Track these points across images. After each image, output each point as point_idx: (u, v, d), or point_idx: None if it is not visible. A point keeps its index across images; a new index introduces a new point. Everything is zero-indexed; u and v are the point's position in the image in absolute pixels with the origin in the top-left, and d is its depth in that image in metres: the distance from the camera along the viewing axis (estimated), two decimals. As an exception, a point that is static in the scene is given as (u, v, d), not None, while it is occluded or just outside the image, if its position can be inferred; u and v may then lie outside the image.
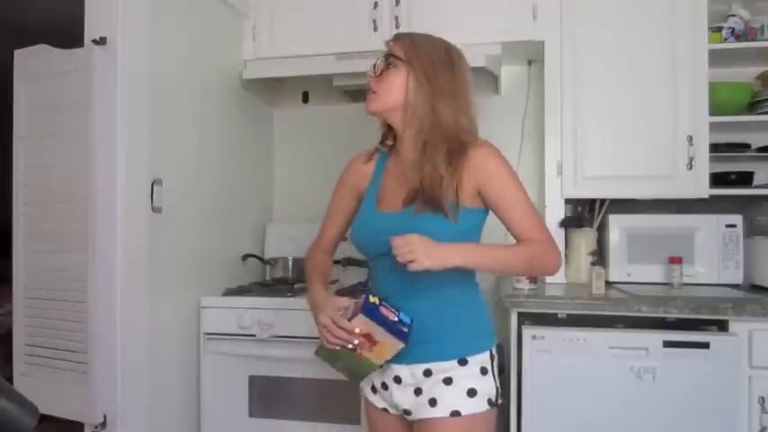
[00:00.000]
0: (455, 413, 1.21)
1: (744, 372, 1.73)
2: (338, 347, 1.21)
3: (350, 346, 1.19)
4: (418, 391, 1.26)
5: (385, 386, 1.31)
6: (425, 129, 1.25)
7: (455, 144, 1.25)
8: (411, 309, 1.23)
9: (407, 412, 1.28)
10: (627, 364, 1.75)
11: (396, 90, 1.27)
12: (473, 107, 1.31)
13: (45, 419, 1.08)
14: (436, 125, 1.25)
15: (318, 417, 2.00)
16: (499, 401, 1.28)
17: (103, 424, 1.67)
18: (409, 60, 1.26)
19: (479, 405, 1.23)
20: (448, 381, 1.23)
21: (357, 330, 1.17)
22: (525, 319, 1.86)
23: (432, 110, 1.25)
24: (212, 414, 2.06)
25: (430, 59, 1.26)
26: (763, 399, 1.72)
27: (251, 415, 2.06)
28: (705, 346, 1.71)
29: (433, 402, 1.23)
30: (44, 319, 1.77)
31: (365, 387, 1.38)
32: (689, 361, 1.72)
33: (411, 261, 1.11)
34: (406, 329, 1.19)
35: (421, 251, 1.11)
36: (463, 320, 1.28)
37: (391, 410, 1.32)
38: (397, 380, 1.28)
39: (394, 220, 1.24)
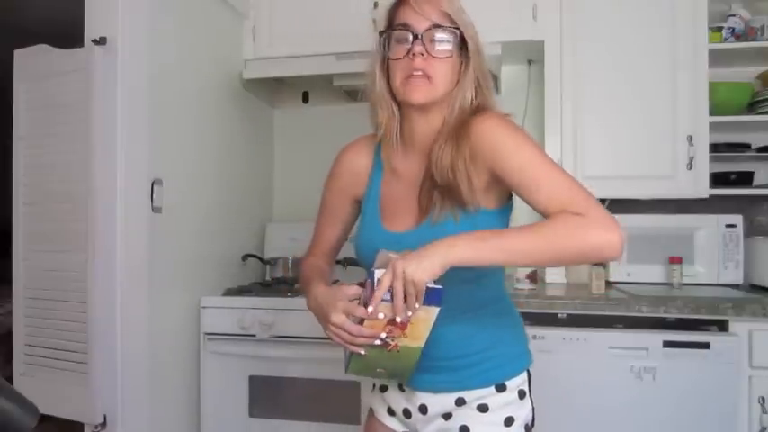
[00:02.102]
0: None
1: (744, 372, 1.73)
2: (363, 351, 0.96)
3: (377, 341, 0.94)
4: (447, 416, 1.08)
5: (407, 413, 1.13)
6: (452, 115, 1.03)
7: (463, 121, 1.02)
8: (441, 336, 0.99)
9: None
10: (627, 364, 1.75)
11: (452, 74, 1.02)
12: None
13: (45, 419, 1.08)
14: (468, 112, 1.03)
15: (318, 417, 2.00)
16: (534, 423, 1.11)
17: (103, 424, 1.67)
18: (465, 30, 1.02)
19: None
20: (483, 408, 1.05)
21: (381, 316, 0.90)
22: (525, 319, 1.84)
23: (471, 98, 1.03)
24: (212, 414, 2.05)
25: (471, 25, 1.02)
26: (763, 399, 1.72)
27: (251, 415, 2.06)
28: (705, 346, 1.72)
29: (464, 430, 1.06)
30: (44, 319, 1.77)
31: (379, 408, 1.20)
32: (689, 361, 1.72)
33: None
34: (434, 287, 0.90)
35: (410, 268, 0.87)
36: (500, 344, 1.09)
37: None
38: (423, 409, 1.10)
39: (409, 242, 0.98)
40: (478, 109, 1.04)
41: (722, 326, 1.76)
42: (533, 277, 1.98)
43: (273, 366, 2.03)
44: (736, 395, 1.71)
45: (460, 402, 1.07)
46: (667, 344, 1.73)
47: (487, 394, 1.06)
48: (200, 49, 2.12)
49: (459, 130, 1.01)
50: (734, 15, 2.16)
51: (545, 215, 0.94)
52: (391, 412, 1.17)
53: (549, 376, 1.78)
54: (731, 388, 1.71)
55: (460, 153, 0.99)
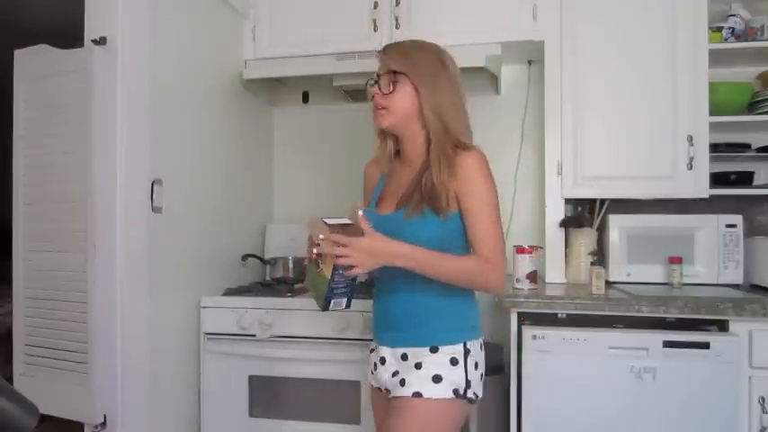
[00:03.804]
0: (417, 394, 1.30)
1: (744, 372, 1.73)
2: (306, 262, 1.32)
3: (314, 250, 1.27)
4: (395, 374, 1.37)
5: (375, 366, 1.44)
6: (431, 136, 1.36)
7: (452, 148, 1.34)
8: (395, 299, 1.38)
9: (388, 390, 1.39)
10: (627, 365, 1.75)
11: (405, 104, 1.36)
12: (465, 108, 1.42)
13: (45, 419, 1.08)
14: (441, 132, 1.35)
15: (318, 417, 2.00)
16: (470, 395, 1.33)
17: (103, 424, 1.67)
18: (411, 73, 1.35)
19: (442, 391, 1.30)
20: (418, 365, 1.33)
21: (321, 236, 1.24)
22: (525, 319, 1.86)
23: (438, 118, 1.34)
24: (212, 414, 2.06)
25: (429, 69, 1.36)
26: (763, 399, 1.72)
27: (251, 415, 2.06)
28: (705, 346, 1.72)
29: (402, 383, 1.34)
30: (44, 319, 1.77)
31: (367, 371, 1.50)
32: (689, 361, 1.72)
33: (351, 267, 1.21)
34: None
35: (360, 256, 1.21)
36: (439, 313, 1.37)
37: (382, 389, 1.43)
38: (383, 361, 1.41)
39: (385, 222, 1.33)
40: (453, 136, 1.35)
41: (722, 326, 1.76)
42: (533, 277, 1.98)
43: (273, 366, 2.03)
44: (736, 395, 1.71)
45: (404, 357, 1.36)
46: (667, 344, 1.73)
47: (422, 354, 1.34)
48: (201, 48, 2.12)
49: (447, 157, 1.33)
50: (734, 15, 2.16)
51: (471, 245, 1.33)
52: (372, 372, 1.46)
53: (549, 376, 1.78)
54: (731, 388, 1.71)
55: (443, 174, 1.32)
